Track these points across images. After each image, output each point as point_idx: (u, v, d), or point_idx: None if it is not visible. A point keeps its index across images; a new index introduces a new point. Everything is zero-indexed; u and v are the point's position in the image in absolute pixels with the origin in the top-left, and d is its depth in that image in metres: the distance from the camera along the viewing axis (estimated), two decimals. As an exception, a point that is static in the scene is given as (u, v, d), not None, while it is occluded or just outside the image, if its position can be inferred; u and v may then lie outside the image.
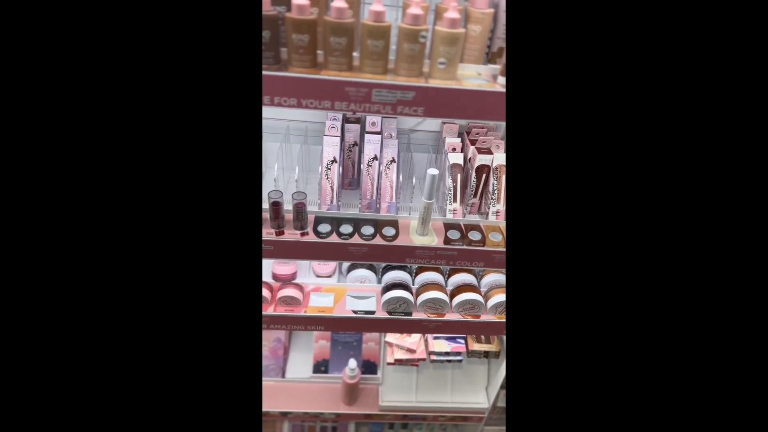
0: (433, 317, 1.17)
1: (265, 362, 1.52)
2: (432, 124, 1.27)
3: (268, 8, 0.73)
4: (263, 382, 1.50)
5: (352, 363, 1.39)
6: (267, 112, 1.20)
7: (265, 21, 0.73)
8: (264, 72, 0.76)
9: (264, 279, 1.23)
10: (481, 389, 1.53)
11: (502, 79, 0.83)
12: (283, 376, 1.52)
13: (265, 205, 1.02)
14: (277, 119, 1.22)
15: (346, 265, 1.32)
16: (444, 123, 1.20)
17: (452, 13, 0.74)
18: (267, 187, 1.05)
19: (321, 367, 1.52)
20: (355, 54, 0.81)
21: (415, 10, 0.73)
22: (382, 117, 1.13)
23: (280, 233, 1.02)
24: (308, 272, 1.36)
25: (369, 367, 1.54)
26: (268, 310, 1.17)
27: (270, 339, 1.55)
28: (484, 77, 0.85)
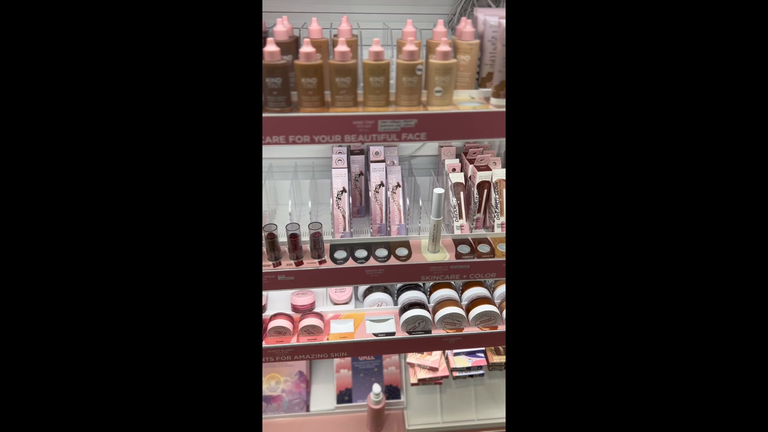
0: (452, 332, 1.21)
1: (288, 397, 1.53)
2: (430, 148, 1.35)
3: (278, 58, 0.81)
4: (288, 419, 1.51)
5: (377, 388, 1.40)
6: (275, 151, 1.28)
7: (277, 69, 0.80)
8: (278, 114, 0.83)
9: (284, 311, 1.27)
10: (504, 402, 1.54)
11: (494, 101, 0.90)
12: (308, 409, 1.52)
13: (283, 238, 1.07)
14: (285, 158, 1.29)
15: (361, 290, 1.36)
16: (441, 146, 1.28)
17: (444, 47, 0.82)
18: (281, 221, 1.11)
19: (345, 396, 1.53)
20: (358, 91, 0.88)
21: (410, 47, 0.81)
22: (384, 146, 1.20)
23: (299, 263, 1.07)
24: (325, 301, 1.40)
25: (392, 391, 1.55)
26: (291, 341, 1.20)
27: (292, 373, 1.57)
28: (477, 100, 0.92)
